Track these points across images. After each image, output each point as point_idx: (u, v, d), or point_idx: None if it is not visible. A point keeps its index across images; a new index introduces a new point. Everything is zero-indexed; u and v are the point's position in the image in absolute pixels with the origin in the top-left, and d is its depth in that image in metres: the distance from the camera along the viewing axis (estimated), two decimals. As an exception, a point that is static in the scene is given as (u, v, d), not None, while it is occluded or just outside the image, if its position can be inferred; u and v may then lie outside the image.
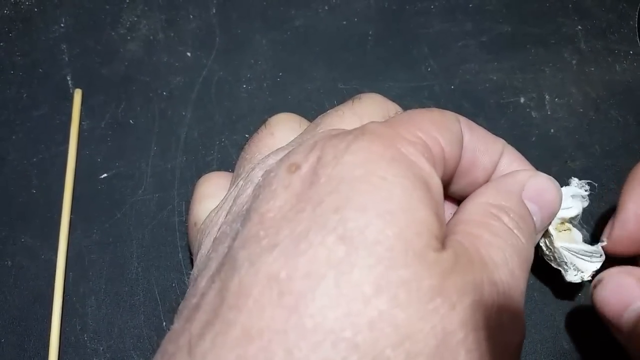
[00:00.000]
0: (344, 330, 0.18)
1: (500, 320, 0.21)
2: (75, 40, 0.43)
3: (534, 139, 0.38)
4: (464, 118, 0.28)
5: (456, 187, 0.28)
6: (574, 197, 0.30)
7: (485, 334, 0.20)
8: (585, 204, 0.31)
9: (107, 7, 0.44)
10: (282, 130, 0.28)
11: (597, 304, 0.28)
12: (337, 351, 0.17)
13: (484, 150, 0.28)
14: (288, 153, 0.23)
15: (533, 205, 0.27)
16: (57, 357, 0.32)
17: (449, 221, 0.26)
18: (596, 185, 0.31)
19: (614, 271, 0.28)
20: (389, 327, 0.18)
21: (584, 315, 0.32)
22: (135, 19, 0.44)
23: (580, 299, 0.33)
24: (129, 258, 0.35)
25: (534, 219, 0.27)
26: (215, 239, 0.23)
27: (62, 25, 0.43)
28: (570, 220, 0.30)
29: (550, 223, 0.29)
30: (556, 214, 0.29)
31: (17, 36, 0.43)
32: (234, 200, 0.24)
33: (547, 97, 0.40)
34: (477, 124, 0.28)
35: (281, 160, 0.23)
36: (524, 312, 0.24)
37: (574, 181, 0.31)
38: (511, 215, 0.25)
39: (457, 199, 0.30)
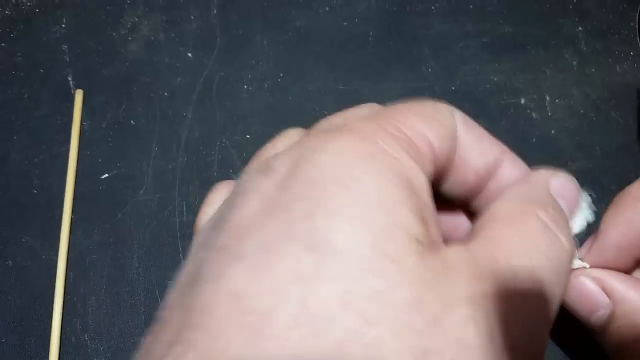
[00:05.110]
0: (308, 353, 0.16)
1: (496, 339, 0.19)
2: (76, 41, 0.43)
3: (534, 140, 0.38)
4: (460, 112, 0.26)
5: (445, 186, 0.26)
6: (580, 209, 0.28)
7: (481, 354, 0.18)
8: (591, 218, 0.28)
9: (108, 7, 0.44)
10: (284, 141, 0.27)
11: (566, 306, 0.27)
12: None
13: (477, 149, 0.26)
14: (268, 157, 0.22)
15: (562, 201, 0.25)
16: (58, 357, 0.32)
17: (474, 224, 0.24)
18: (594, 195, 0.30)
19: (576, 277, 0.27)
20: (356, 347, 0.16)
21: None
22: (136, 19, 0.44)
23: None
24: (129, 258, 0.35)
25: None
26: (193, 248, 0.22)
27: (63, 25, 0.44)
28: (574, 237, 0.28)
29: None
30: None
31: (18, 37, 0.43)
32: (218, 208, 0.22)
33: (547, 98, 0.40)
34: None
35: (259, 164, 0.22)
36: (548, 324, 0.21)
37: None
38: (549, 210, 0.23)
39: (447, 200, 0.28)
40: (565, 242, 0.23)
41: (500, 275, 0.20)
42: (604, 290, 0.26)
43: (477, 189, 0.27)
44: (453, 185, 0.26)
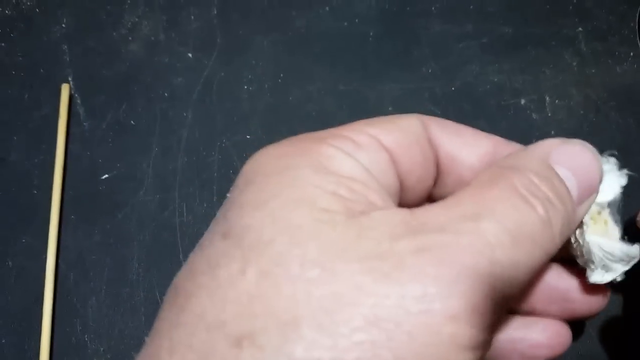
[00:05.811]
0: (219, 318, 0.18)
1: (406, 300, 0.18)
2: (76, 41, 0.43)
3: (534, 140, 0.38)
4: (432, 117, 0.25)
5: (443, 188, 0.26)
6: (606, 174, 0.24)
7: (379, 301, 0.18)
8: (623, 181, 0.25)
9: (109, 7, 0.44)
10: None
11: None
12: (211, 336, 0.18)
13: (461, 143, 0.25)
14: None
15: (564, 170, 0.22)
16: (49, 356, 0.32)
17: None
18: (615, 153, 0.26)
19: None
20: (260, 307, 0.18)
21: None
22: (137, 19, 0.44)
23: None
24: (129, 259, 0.35)
25: (568, 184, 0.22)
26: None
27: (63, 25, 0.44)
28: (609, 205, 0.25)
29: (593, 199, 0.23)
30: (598, 185, 0.23)
31: (18, 36, 0.43)
32: None
33: (547, 98, 0.40)
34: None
35: None
36: (484, 307, 0.18)
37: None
38: (530, 178, 0.21)
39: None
40: (542, 213, 0.20)
41: (426, 237, 0.19)
42: None
43: None
44: (454, 186, 0.26)
